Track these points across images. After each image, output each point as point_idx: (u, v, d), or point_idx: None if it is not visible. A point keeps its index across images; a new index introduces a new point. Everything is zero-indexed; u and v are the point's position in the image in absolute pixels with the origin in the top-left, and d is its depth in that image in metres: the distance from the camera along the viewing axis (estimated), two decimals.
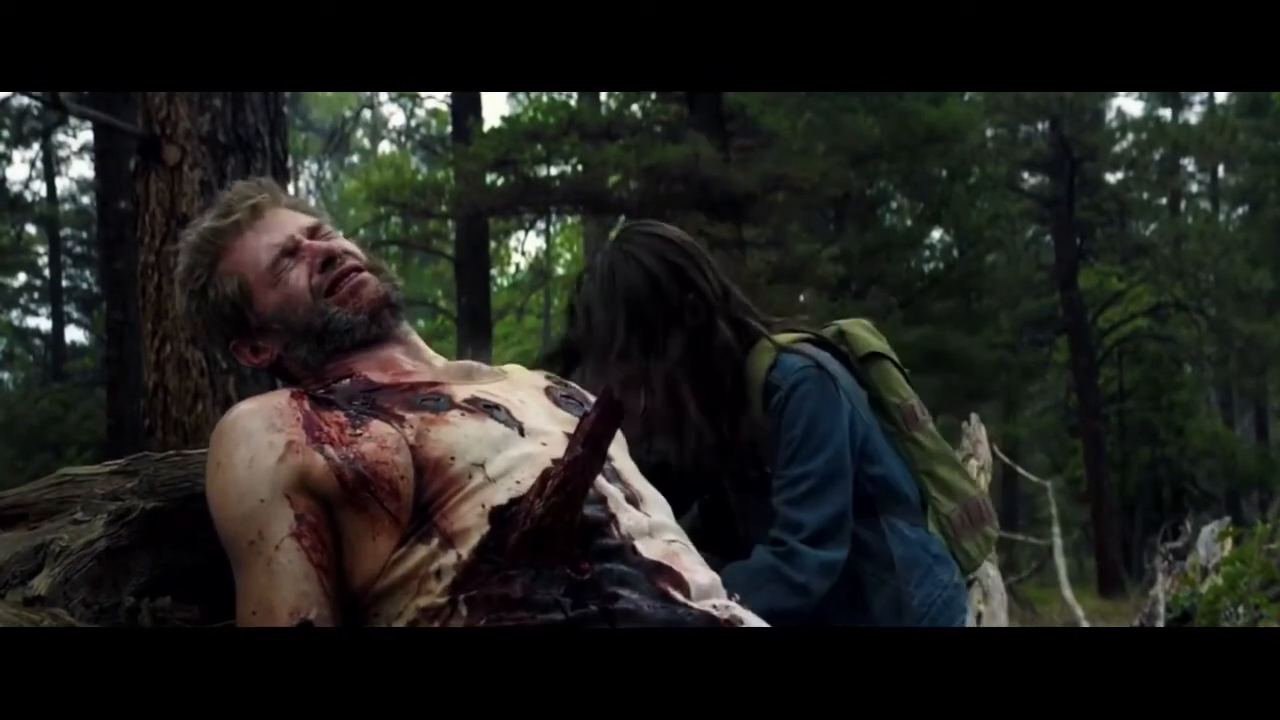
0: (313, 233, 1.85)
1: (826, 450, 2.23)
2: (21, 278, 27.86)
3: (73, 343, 27.87)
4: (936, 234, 22.93)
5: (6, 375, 28.29)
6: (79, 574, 1.44)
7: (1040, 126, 24.52)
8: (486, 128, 18.12)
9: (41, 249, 27.58)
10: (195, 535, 1.59)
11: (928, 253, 23.14)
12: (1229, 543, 6.63)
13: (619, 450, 1.77)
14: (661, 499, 1.73)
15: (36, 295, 28.09)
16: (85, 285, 26.93)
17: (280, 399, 1.66)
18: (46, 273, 27.33)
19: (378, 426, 1.60)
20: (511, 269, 33.43)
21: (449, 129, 23.82)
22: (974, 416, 6.11)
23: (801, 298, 15.44)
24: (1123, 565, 21.06)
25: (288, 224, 1.84)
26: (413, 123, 32.75)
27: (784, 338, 2.35)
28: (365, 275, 1.83)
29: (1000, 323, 22.38)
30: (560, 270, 30.76)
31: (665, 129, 16.45)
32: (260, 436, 1.59)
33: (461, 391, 1.69)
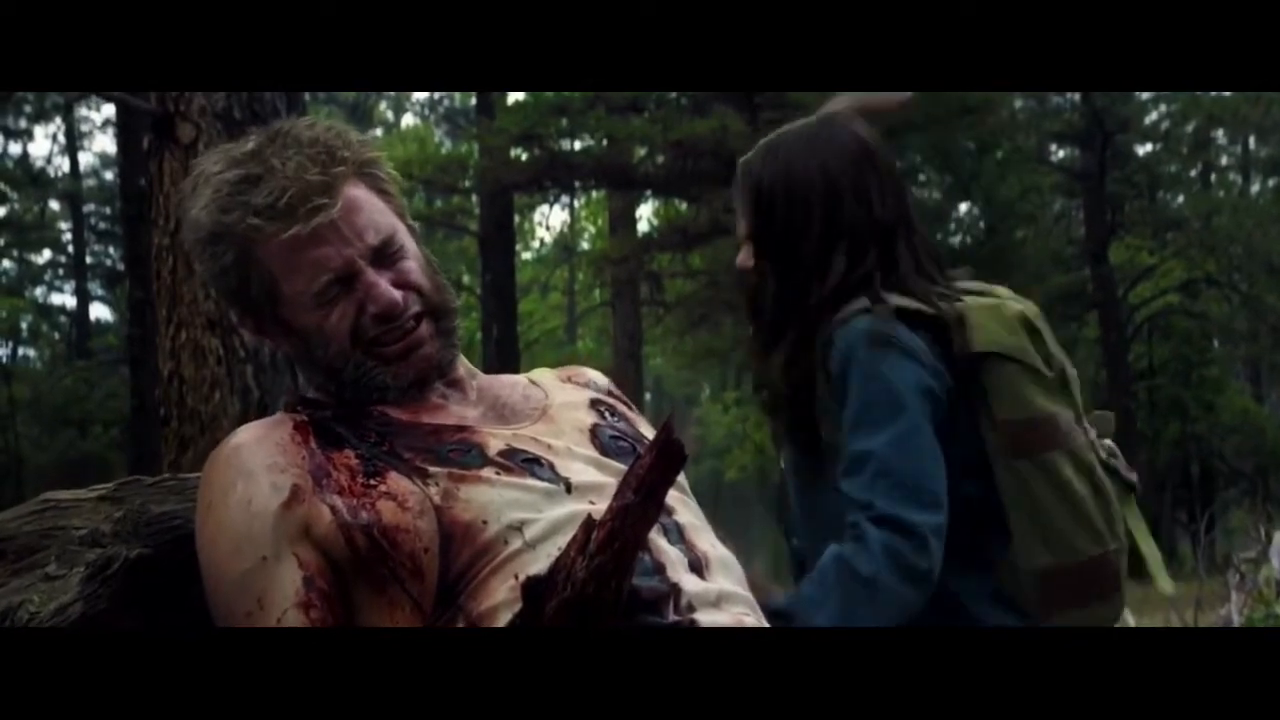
0: (381, 253, 1.45)
1: (890, 428, 1.90)
2: (45, 254, 27.92)
3: (97, 320, 27.93)
4: (965, 207, 22.71)
5: (31, 352, 28.33)
6: None
7: (1071, 97, 24.19)
8: (511, 101, 17.96)
9: (65, 225, 27.59)
10: (188, 590, 1.35)
11: (955, 226, 22.90)
12: None
13: (681, 500, 1.48)
14: (733, 561, 1.45)
15: (60, 272, 28.11)
16: (109, 261, 26.89)
17: (283, 432, 1.40)
18: (70, 249, 27.32)
19: (396, 481, 1.34)
20: (536, 244, 33.30)
21: (473, 102, 23.66)
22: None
23: None
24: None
25: (352, 236, 1.43)
26: (436, 96, 32.58)
27: (896, 300, 2.02)
28: (422, 333, 1.46)
29: (1030, 298, 22.08)
30: (585, 245, 30.60)
31: (692, 102, 16.24)
32: (261, 477, 1.34)
33: (495, 442, 1.41)
